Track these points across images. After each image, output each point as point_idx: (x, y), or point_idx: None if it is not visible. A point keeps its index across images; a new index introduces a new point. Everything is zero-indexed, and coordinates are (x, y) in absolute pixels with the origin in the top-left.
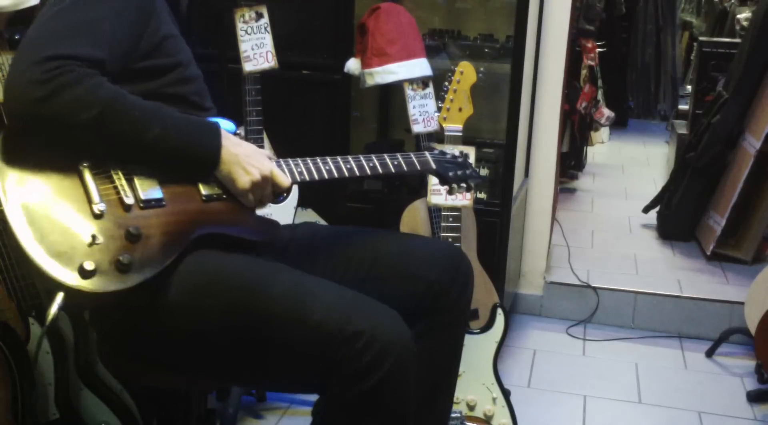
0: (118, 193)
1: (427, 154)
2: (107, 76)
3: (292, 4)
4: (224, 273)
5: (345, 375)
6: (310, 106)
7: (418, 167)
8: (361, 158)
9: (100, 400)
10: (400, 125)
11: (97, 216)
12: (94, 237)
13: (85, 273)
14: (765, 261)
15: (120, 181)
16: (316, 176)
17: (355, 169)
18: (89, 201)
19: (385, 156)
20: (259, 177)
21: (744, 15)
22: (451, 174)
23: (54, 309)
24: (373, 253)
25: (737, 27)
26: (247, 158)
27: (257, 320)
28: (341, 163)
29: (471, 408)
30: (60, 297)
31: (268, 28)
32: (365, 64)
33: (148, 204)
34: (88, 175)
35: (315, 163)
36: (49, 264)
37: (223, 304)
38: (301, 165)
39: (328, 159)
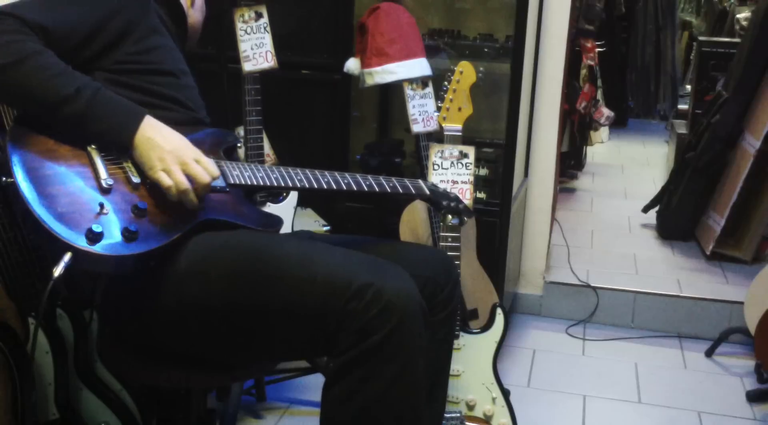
0: (125, 172)
1: (421, 181)
2: (45, 44)
3: (291, 3)
4: (230, 242)
5: (354, 330)
6: (310, 106)
7: (413, 191)
8: (358, 176)
9: (99, 400)
10: (399, 125)
11: (105, 191)
12: (102, 206)
13: (92, 236)
14: (765, 260)
15: (128, 163)
16: (315, 185)
17: (353, 184)
18: (97, 177)
19: (381, 178)
20: (172, 169)
21: (744, 15)
22: (444, 203)
23: (60, 267)
24: (371, 254)
25: (737, 27)
26: (170, 149)
27: (264, 282)
28: (339, 177)
29: (470, 407)
30: (68, 256)
31: (268, 28)
32: (365, 64)
33: (154, 185)
34: (96, 156)
35: (314, 174)
36: (58, 226)
37: (229, 271)
38: (301, 174)
39: (327, 173)
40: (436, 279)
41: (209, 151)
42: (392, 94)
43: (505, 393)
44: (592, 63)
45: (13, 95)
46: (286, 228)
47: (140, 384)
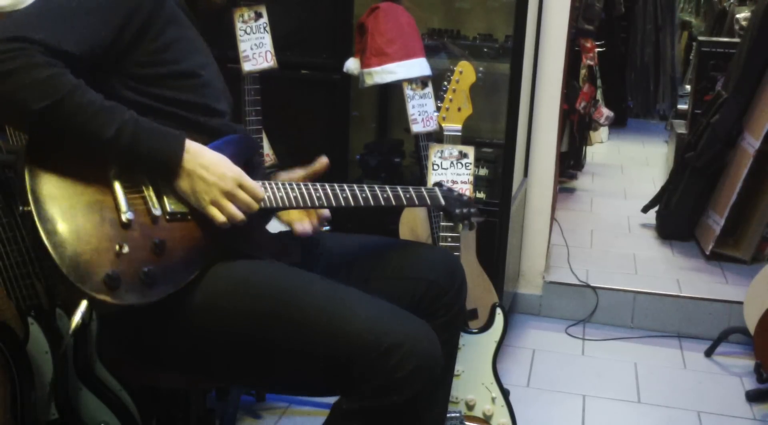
0: (146, 203)
1: (437, 190)
2: (71, 68)
3: (291, 3)
4: (251, 280)
5: (377, 385)
6: (310, 106)
7: (428, 202)
8: (376, 189)
9: (99, 400)
10: (399, 125)
11: (125, 226)
12: (120, 246)
13: (110, 285)
14: (764, 260)
15: (149, 192)
16: (333, 203)
17: (370, 198)
18: (117, 209)
19: (399, 188)
20: (222, 203)
21: (743, 15)
22: (456, 211)
23: (77, 317)
24: (374, 256)
25: (736, 27)
26: (213, 180)
27: (289, 327)
28: (357, 192)
29: (470, 407)
30: (84, 305)
31: (267, 28)
32: (364, 64)
33: (174, 217)
34: (117, 185)
35: (333, 189)
36: (75, 273)
37: (249, 309)
38: (320, 190)
39: (345, 187)
40: (440, 282)
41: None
42: (392, 94)
43: (505, 393)
44: (591, 63)
45: (63, 137)
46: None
47: (139, 384)
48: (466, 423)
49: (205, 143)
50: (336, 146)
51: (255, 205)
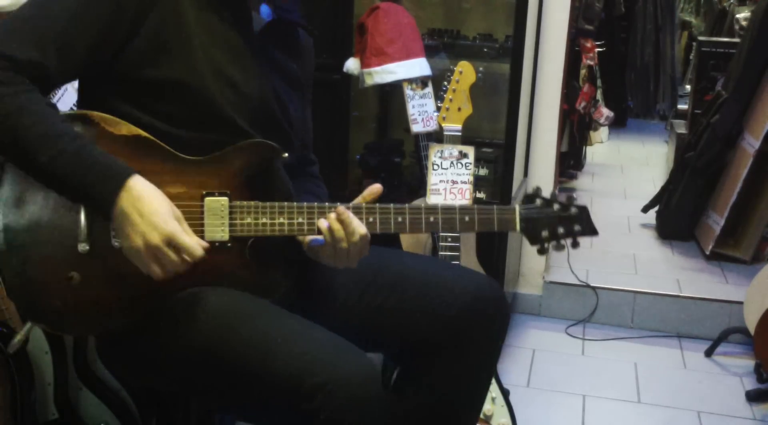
0: (111, 231)
1: (517, 207)
2: (44, 79)
3: None
4: (195, 321)
5: None
6: None
7: (496, 227)
8: (422, 209)
9: (99, 400)
10: (399, 125)
11: (81, 255)
12: (72, 277)
13: (54, 314)
14: (764, 260)
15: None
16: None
17: (408, 225)
18: (77, 237)
19: (456, 208)
20: (152, 241)
21: (743, 15)
22: (544, 233)
23: (18, 337)
24: (394, 279)
25: (736, 27)
26: (147, 216)
27: (228, 361)
28: (393, 214)
29: None
30: (27, 327)
31: None
32: (364, 64)
33: None
34: (83, 211)
35: (358, 214)
36: (21, 297)
37: (186, 346)
38: (373, 215)
39: (377, 207)
40: (462, 319)
41: (227, 183)
42: (392, 93)
43: (505, 393)
44: (591, 63)
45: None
46: None
47: (139, 385)
48: None
49: (202, 156)
50: (336, 146)
51: (181, 268)
